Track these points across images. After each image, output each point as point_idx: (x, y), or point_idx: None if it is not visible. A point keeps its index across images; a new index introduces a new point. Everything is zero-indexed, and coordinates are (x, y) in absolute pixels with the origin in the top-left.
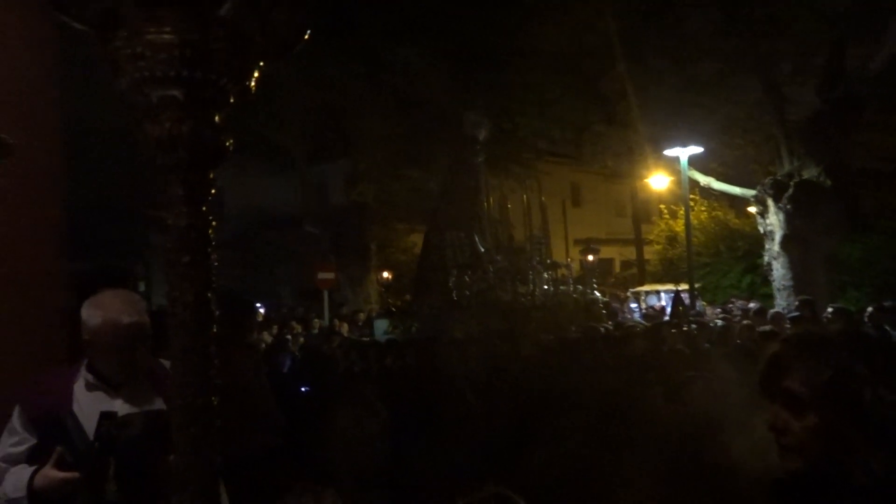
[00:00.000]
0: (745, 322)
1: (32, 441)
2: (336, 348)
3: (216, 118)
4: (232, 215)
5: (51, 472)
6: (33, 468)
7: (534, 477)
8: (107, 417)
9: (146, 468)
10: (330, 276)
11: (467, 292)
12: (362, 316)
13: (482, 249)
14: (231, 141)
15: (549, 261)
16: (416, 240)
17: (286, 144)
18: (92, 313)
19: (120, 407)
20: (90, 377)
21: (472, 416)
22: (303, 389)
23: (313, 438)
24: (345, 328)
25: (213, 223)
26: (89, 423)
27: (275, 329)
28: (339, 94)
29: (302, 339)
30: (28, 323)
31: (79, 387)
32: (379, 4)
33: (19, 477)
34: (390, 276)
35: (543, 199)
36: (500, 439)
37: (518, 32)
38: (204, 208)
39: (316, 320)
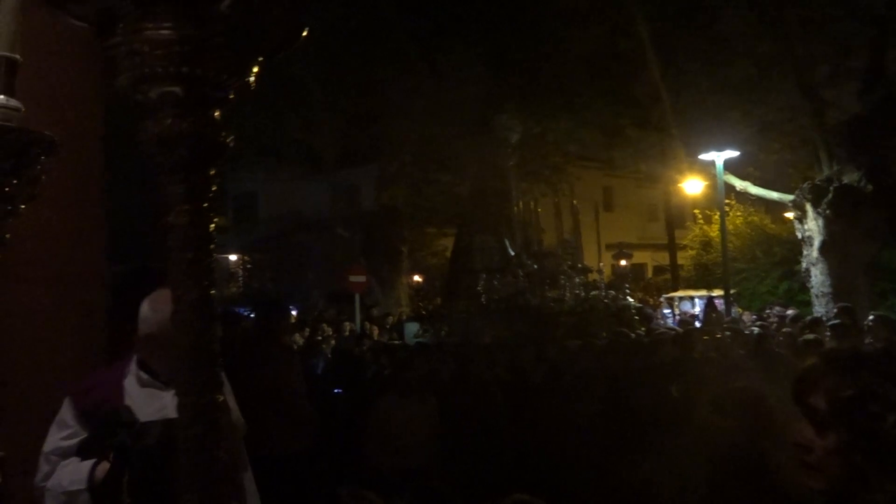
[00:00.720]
0: (784, 330)
1: (84, 434)
2: (367, 351)
3: (216, 115)
4: (264, 219)
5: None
6: (92, 461)
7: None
8: (123, 426)
9: (163, 478)
10: (361, 279)
11: (497, 297)
12: (392, 319)
13: (512, 253)
14: (232, 138)
15: (579, 265)
16: (447, 243)
17: (318, 148)
18: (153, 310)
19: (170, 403)
20: (143, 374)
21: (502, 422)
22: (335, 391)
23: (349, 439)
24: (375, 331)
25: (215, 220)
26: (142, 419)
27: (307, 332)
28: (371, 97)
29: (333, 342)
30: (71, 321)
31: (130, 382)
32: (411, 8)
33: (76, 469)
34: (421, 280)
35: (575, 203)
36: (529, 445)
37: (550, 36)
38: (205, 205)
39: (346, 323)
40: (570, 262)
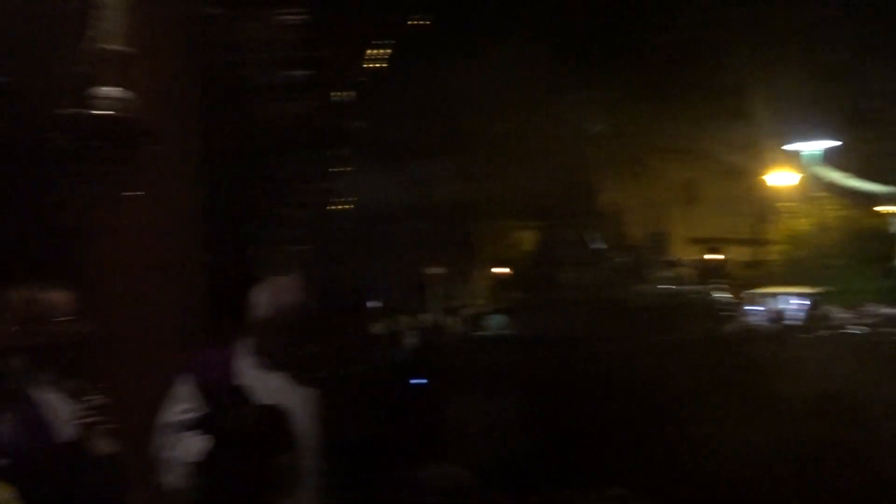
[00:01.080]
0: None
1: (199, 410)
2: (446, 343)
3: (338, 98)
4: (341, 210)
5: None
6: (208, 436)
7: None
8: (237, 406)
9: (273, 459)
10: (438, 270)
11: (579, 290)
12: (469, 311)
13: (596, 246)
14: (353, 123)
15: (665, 259)
16: (526, 236)
17: (395, 139)
18: (264, 296)
19: (280, 389)
20: (256, 357)
21: (590, 416)
22: (416, 382)
23: (430, 428)
24: (451, 323)
25: (338, 204)
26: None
27: (383, 322)
28: (449, 88)
29: (409, 333)
30: (172, 307)
31: (242, 365)
32: None
33: (194, 443)
34: (499, 272)
35: (660, 195)
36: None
37: (634, 24)
38: (329, 187)
39: (422, 315)
40: (655, 256)
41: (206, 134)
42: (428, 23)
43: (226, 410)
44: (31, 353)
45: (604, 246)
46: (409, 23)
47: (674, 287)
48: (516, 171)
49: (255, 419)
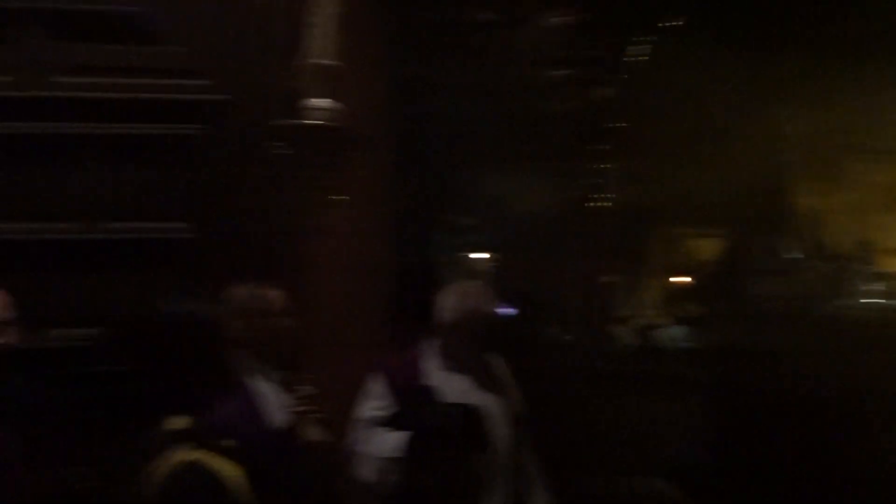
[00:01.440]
0: None
1: (392, 408)
2: (621, 352)
3: (606, 95)
4: (510, 217)
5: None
6: (403, 433)
7: None
8: (429, 405)
9: (466, 458)
10: (610, 278)
11: (773, 302)
12: (641, 321)
13: (792, 255)
14: (620, 122)
15: (871, 270)
16: (709, 243)
17: (561, 144)
18: (453, 300)
19: (467, 391)
20: (443, 359)
21: (784, 435)
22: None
23: (608, 437)
24: (623, 332)
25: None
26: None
27: (554, 330)
28: (615, 90)
29: (582, 342)
30: (363, 306)
31: (431, 366)
32: None
33: (389, 438)
34: (675, 281)
35: (862, 200)
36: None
37: (836, 15)
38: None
39: (592, 324)
40: (862, 266)
41: (400, 140)
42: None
43: (422, 408)
44: (252, 345)
45: (800, 255)
46: None
47: (882, 301)
48: (701, 173)
49: (454, 417)
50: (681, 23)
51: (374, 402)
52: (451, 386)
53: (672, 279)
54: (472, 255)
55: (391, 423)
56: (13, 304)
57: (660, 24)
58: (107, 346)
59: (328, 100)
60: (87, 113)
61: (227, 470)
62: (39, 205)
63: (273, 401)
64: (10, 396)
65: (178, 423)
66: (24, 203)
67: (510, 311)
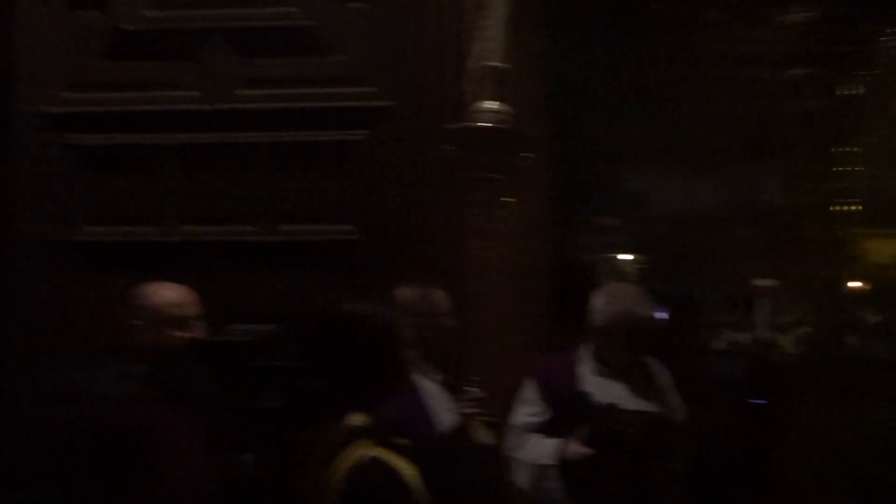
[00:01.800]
0: None
1: (549, 414)
2: (786, 362)
3: (847, 92)
4: (655, 217)
5: (579, 448)
6: (560, 440)
7: None
8: (611, 409)
9: (645, 471)
10: (767, 283)
11: None
12: (806, 330)
13: None
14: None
15: None
16: (884, 245)
17: (717, 143)
18: (607, 302)
19: (623, 397)
20: (597, 363)
21: None
22: (755, 402)
23: (774, 451)
24: (784, 341)
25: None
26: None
27: (710, 336)
28: (775, 90)
29: (740, 349)
30: (521, 308)
31: (584, 370)
32: None
33: (546, 444)
34: (855, 286)
35: None
36: None
37: None
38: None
39: (746, 331)
40: None
41: (561, 141)
42: None
43: (568, 416)
44: (419, 346)
45: None
46: None
47: None
48: (874, 172)
49: (636, 425)
50: None
51: (528, 407)
52: (607, 392)
53: (847, 283)
54: (622, 257)
55: (545, 429)
56: (198, 302)
57: None
58: (287, 342)
59: (497, 102)
60: (265, 122)
61: (405, 468)
62: (222, 209)
63: (440, 401)
64: (196, 386)
65: (357, 419)
66: (208, 207)
67: (672, 314)
